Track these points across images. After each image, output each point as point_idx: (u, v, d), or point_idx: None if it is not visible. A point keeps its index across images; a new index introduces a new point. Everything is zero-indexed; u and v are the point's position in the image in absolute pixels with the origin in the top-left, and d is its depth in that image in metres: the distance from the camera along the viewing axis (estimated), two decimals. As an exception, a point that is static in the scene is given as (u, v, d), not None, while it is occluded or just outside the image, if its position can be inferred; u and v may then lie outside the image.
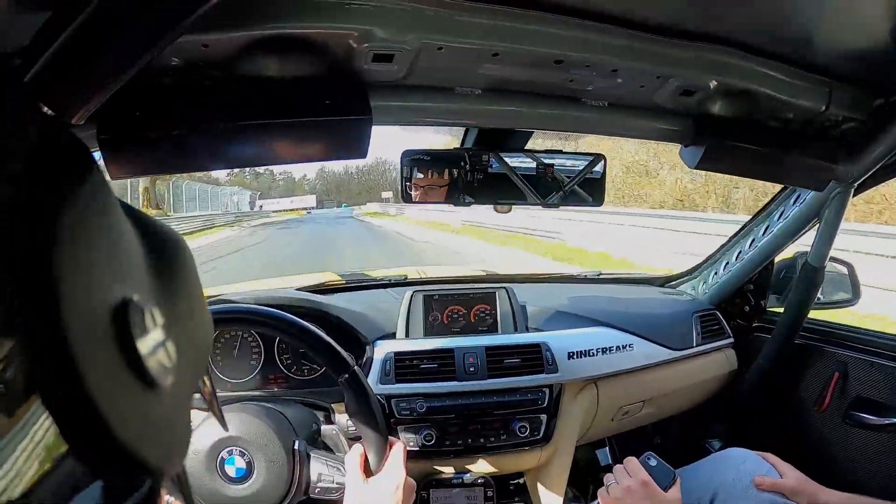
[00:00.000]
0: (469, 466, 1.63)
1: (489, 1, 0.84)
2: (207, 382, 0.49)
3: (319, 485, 1.16)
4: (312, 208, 71.22)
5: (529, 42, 0.90)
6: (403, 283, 2.00)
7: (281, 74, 0.89)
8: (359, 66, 0.89)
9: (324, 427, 1.35)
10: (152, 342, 0.29)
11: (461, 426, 1.56)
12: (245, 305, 1.15)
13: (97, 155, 0.89)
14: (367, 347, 1.61)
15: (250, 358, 1.61)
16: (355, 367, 1.13)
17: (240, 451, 1.12)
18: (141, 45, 0.59)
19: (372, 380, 1.54)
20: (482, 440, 1.57)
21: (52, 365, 0.24)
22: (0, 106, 0.29)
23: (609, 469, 2.06)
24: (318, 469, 1.17)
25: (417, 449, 1.54)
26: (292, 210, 68.48)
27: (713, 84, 1.05)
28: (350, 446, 1.22)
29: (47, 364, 0.24)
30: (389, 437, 1.13)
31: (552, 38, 0.90)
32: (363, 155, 0.96)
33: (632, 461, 1.22)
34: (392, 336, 1.67)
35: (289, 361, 1.63)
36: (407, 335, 1.68)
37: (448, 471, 1.63)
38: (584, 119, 1.13)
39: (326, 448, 1.31)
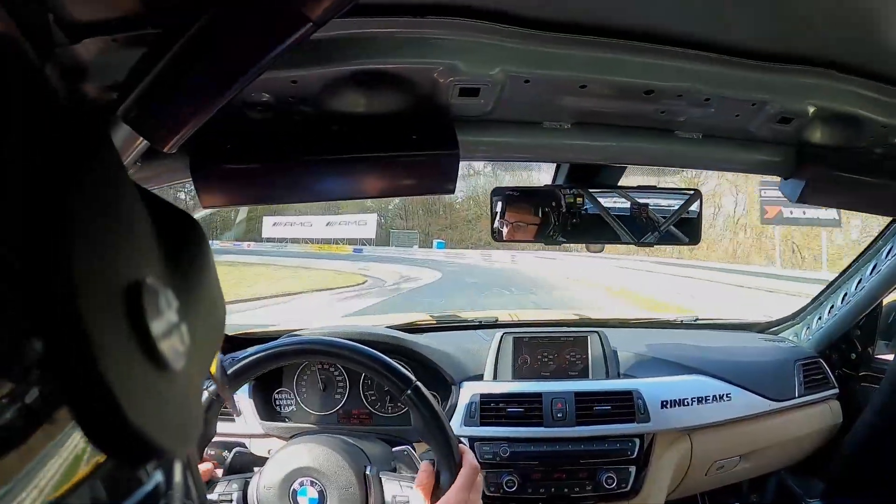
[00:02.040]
0: None
1: (574, 31, 0.81)
2: (218, 367, 0.48)
3: None
4: (365, 242, 42.86)
5: (617, 72, 0.87)
6: (494, 324, 1.95)
7: (369, 109, 0.89)
8: (445, 100, 0.89)
9: (395, 449, 1.31)
10: (165, 325, 0.29)
11: (545, 474, 1.50)
12: (299, 338, 1.15)
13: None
14: (454, 388, 1.57)
15: (335, 392, 1.61)
16: (417, 383, 1.09)
17: (311, 481, 1.10)
18: (226, 80, 0.61)
19: (456, 422, 1.50)
20: (566, 490, 1.50)
21: (65, 345, 0.24)
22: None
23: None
24: (392, 490, 1.12)
25: (498, 495, 1.48)
26: (311, 244, 43.31)
27: (811, 109, 0.98)
28: None
29: (60, 344, 0.24)
30: (464, 451, 1.07)
31: (641, 68, 0.87)
32: (451, 190, 0.95)
33: None
34: (479, 378, 1.63)
35: (373, 398, 1.61)
36: (495, 377, 1.63)
37: None
38: (677, 153, 1.08)
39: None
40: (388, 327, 1.82)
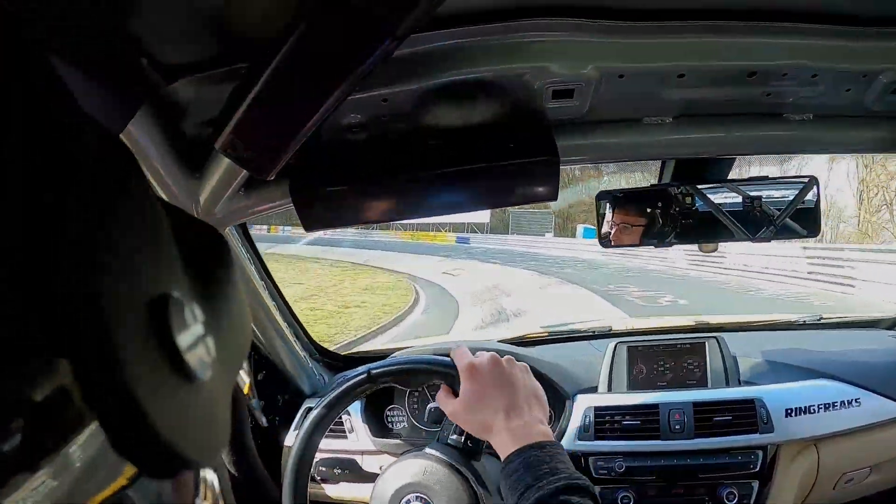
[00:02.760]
0: None
1: (666, 17, 0.77)
2: (247, 380, 0.48)
3: None
4: (475, 228, 36.74)
5: (716, 56, 0.82)
6: (608, 334, 1.88)
7: (462, 121, 0.89)
8: (539, 105, 0.86)
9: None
10: (192, 337, 0.29)
11: (663, 490, 1.42)
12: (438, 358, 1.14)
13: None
14: (567, 402, 1.53)
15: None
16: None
17: (420, 496, 1.10)
18: (315, 104, 0.63)
19: (570, 436, 1.46)
20: None
21: (93, 356, 0.24)
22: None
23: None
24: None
25: None
26: (403, 231, 38.06)
27: None
28: None
29: (88, 358, 0.24)
30: (451, 353, 1.04)
31: (740, 49, 0.82)
32: (553, 197, 0.93)
33: None
34: (594, 390, 1.58)
35: None
36: (609, 389, 1.57)
37: None
38: (787, 138, 1.00)
39: None
40: (499, 341, 1.79)
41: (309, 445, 1.11)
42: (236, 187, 0.92)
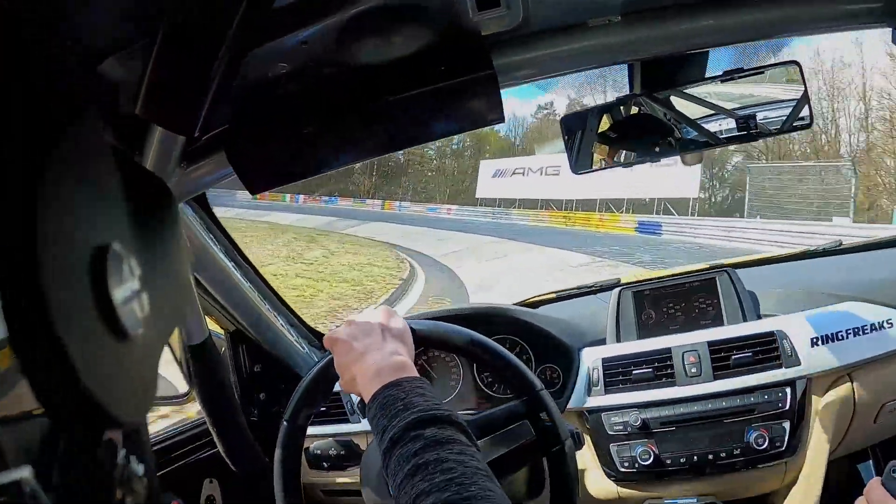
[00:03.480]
0: (695, 490, 1.38)
1: None
2: (179, 337, 0.45)
3: None
4: (670, 207, 22.53)
5: None
6: (616, 285, 1.75)
7: (390, 53, 0.83)
8: (467, 21, 0.78)
9: None
10: (127, 292, 0.29)
11: (684, 440, 1.33)
12: (430, 323, 1.09)
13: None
14: (573, 357, 1.45)
15: (449, 379, 1.54)
16: (542, 392, 1.02)
17: None
18: (206, 52, 0.64)
19: (578, 393, 1.38)
20: (710, 456, 1.32)
21: (22, 304, 0.23)
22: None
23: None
24: None
25: (633, 470, 1.33)
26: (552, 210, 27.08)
27: None
28: None
29: (17, 303, 0.23)
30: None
31: None
32: (500, 119, 0.85)
33: (873, 490, 0.84)
34: (602, 342, 1.49)
35: (489, 381, 1.52)
36: (618, 339, 1.49)
37: (669, 496, 1.39)
38: (757, 22, 0.87)
39: None
40: (513, 304, 1.72)
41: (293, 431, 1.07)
42: (175, 161, 0.88)
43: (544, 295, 1.83)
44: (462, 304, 1.80)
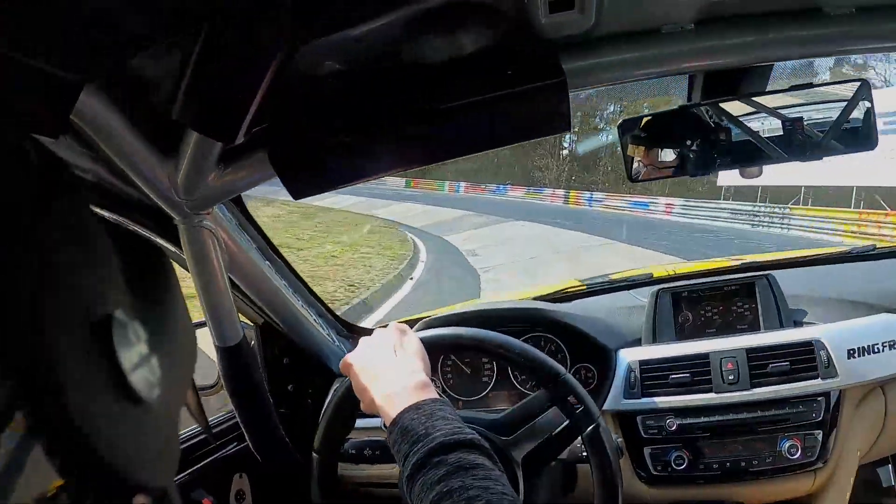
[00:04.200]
0: (723, 494, 1.38)
1: None
2: (192, 395, 0.48)
3: None
4: None
5: None
6: (649, 281, 1.77)
7: (452, 52, 0.79)
8: (537, 22, 0.75)
9: None
10: (136, 357, 0.29)
11: (718, 446, 1.33)
12: (440, 332, 1.09)
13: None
14: (611, 358, 1.44)
15: (482, 375, 1.53)
16: (565, 376, 1.02)
17: None
18: (258, 56, 0.62)
19: (615, 395, 1.37)
20: (743, 463, 1.32)
21: (35, 386, 0.23)
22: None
23: (891, 493, 1.67)
24: None
25: (666, 474, 1.33)
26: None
27: None
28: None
29: (30, 386, 0.23)
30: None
31: None
32: (566, 128, 0.81)
33: None
34: (637, 343, 1.49)
35: (523, 378, 1.51)
36: (654, 340, 1.48)
37: (700, 499, 1.39)
38: (828, 36, 0.84)
39: None
40: (535, 298, 1.72)
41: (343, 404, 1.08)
42: (212, 162, 0.85)
43: (574, 287, 1.82)
44: (495, 303, 1.77)
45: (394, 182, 36.57)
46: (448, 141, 0.84)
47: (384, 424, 0.81)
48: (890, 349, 1.33)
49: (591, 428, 1.00)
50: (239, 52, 0.61)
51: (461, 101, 0.80)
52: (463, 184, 35.96)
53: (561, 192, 31.20)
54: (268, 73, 0.62)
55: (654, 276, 1.79)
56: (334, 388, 1.50)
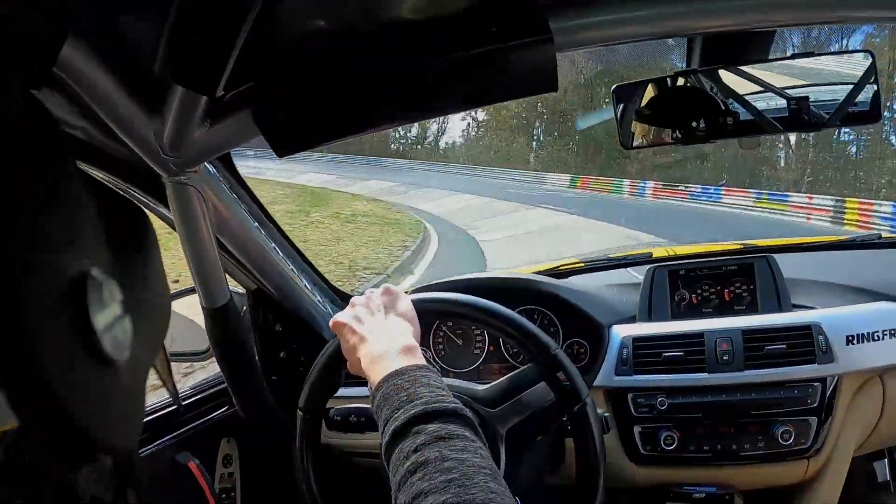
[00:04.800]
0: (715, 478, 1.37)
1: None
2: (163, 360, 0.47)
3: None
4: None
5: None
6: (648, 260, 1.74)
7: (437, 9, 0.76)
8: None
9: None
10: (109, 318, 0.29)
11: (709, 428, 1.31)
12: (434, 295, 1.09)
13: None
14: (603, 333, 1.43)
15: (473, 347, 1.53)
16: (556, 351, 1.00)
17: None
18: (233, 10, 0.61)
19: (607, 370, 1.36)
20: (734, 447, 1.31)
21: (7, 340, 0.23)
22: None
23: (887, 487, 1.65)
24: None
25: (656, 453, 1.32)
26: None
27: None
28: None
29: (1, 340, 0.23)
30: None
31: None
32: (554, 87, 0.78)
33: None
34: (632, 320, 1.47)
35: (514, 351, 1.51)
36: (649, 318, 1.47)
37: (689, 481, 1.38)
38: (832, 3, 0.79)
39: None
40: (533, 272, 1.69)
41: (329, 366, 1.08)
42: (197, 119, 0.85)
43: (573, 263, 1.80)
44: (490, 273, 1.78)
45: (556, 181, 27.66)
46: (431, 98, 0.82)
47: (370, 388, 0.81)
48: (890, 337, 1.30)
49: (578, 406, 0.99)
50: (216, 3, 0.61)
51: (444, 57, 0.78)
52: (650, 183, 23.24)
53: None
54: (244, 24, 0.62)
55: (654, 255, 1.77)
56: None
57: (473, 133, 41.96)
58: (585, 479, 1.00)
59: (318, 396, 1.09)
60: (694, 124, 0.97)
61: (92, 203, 0.31)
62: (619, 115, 1.00)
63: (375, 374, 0.77)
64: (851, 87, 0.95)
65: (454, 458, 0.62)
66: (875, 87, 0.94)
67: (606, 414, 1.03)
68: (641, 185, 23.54)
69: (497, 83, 0.80)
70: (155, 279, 0.37)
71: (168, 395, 1.35)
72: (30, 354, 0.24)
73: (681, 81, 0.96)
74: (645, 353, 1.35)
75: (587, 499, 0.99)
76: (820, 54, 0.94)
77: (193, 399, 1.42)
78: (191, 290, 1.32)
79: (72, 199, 0.29)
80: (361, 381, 1.38)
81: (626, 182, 24.62)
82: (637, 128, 1.00)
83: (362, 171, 32.20)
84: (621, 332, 1.40)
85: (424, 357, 1.41)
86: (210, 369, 1.52)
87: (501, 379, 1.06)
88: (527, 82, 0.80)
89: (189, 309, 1.42)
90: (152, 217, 1.15)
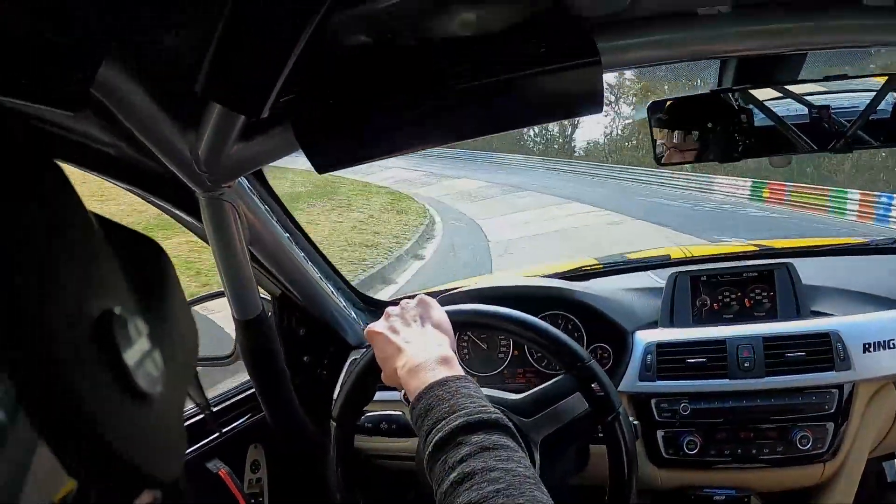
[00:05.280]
0: (734, 481, 1.39)
1: None
2: (197, 387, 0.45)
3: None
4: None
5: None
6: (667, 263, 1.77)
7: (483, 27, 0.77)
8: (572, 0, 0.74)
9: None
10: (138, 353, 0.29)
11: (731, 433, 1.33)
12: (467, 308, 1.09)
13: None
14: (627, 339, 1.45)
15: (498, 352, 1.54)
16: (590, 363, 1.03)
17: None
18: (286, 33, 0.61)
19: (630, 376, 1.38)
20: (754, 451, 1.33)
21: (38, 386, 0.24)
22: None
23: (896, 488, 1.67)
24: None
25: (678, 457, 1.34)
26: None
27: None
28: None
29: (33, 386, 0.23)
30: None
31: None
32: (599, 109, 0.80)
33: None
34: (654, 325, 1.49)
35: (538, 355, 1.52)
36: (671, 323, 1.48)
37: (709, 484, 1.40)
38: (865, 27, 0.82)
39: None
40: (549, 276, 1.72)
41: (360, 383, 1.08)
42: (235, 135, 0.85)
43: (591, 266, 1.82)
44: (513, 279, 1.79)
45: (728, 188, 19.26)
46: (476, 118, 0.82)
47: (404, 397, 0.81)
48: None
49: (612, 416, 1.01)
50: (267, 25, 0.60)
51: (490, 78, 0.78)
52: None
53: None
54: (296, 46, 0.61)
55: (672, 257, 1.79)
56: (352, 358, 1.52)
57: (619, 132, 36.77)
58: (617, 486, 1.02)
59: (352, 408, 1.10)
60: (724, 141, 0.99)
61: (107, 242, 0.31)
62: (652, 129, 1.01)
63: (414, 385, 0.77)
64: (872, 100, 0.97)
65: (500, 469, 0.63)
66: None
67: (636, 422, 1.05)
68: (886, 198, 14.31)
69: (544, 104, 0.81)
70: (178, 308, 0.37)
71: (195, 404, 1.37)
72: (65, 399, 0.24)
73: (713, 99, 0.98)
74: (668, 360, 1.37)
75: (623, 498, 1.01)
76: (851, 77, 0.96)
77: (221, 407, 1.43)
78: (217, 295, 1.33)
79: (85, 238, 0.29)
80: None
81: (850, 194, 15.44)
82: (670, 142, 1.01)
83: (457, 167, 27.05)
84: (645, 337, 1.42)
85: None
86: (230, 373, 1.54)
87: (535, 389, 1.07)
88: (574, 102, 0.81)
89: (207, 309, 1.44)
90: (184, 231, 1.17)
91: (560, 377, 1.06)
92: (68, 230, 0.28)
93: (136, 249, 0.36)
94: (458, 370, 0.80)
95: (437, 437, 0.69)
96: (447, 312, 0.95)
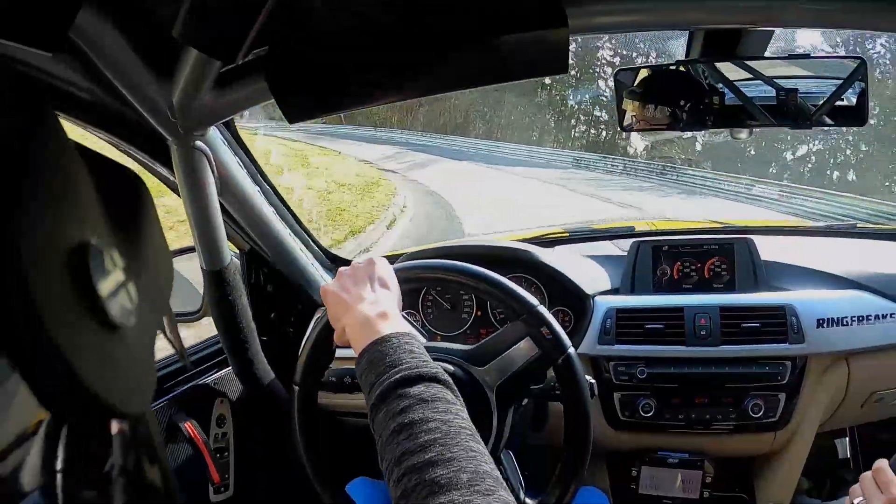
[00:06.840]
0: (688, 445, 1.45)
1: None
2: (170, 323, 0.47)
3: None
4: None
5: None
6: (631, 234, 1.80)
7: None
8: None
9: None
10: (112, 285, 0.29)
11: (685, 398, 1.38)
12: (417, 262, 1.11)
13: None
14: (587, 304, 1.47)
15: (462, 312, 1.57)
16: (538, 307, 1.03)
17: None
18: None
19: (590, 339, 1.41)
20: (707, 417, 1.38)
21: (12, 310, 0.24)
22: None
23: (847, 465, 1.75)
24: None
25: (633, 419, 1.39)
26: None
27: None
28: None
29: (8, 313, 0.24)
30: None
31: None
32: (564, 69, 0.81)
33: (883, 471, 0.87)
34: (615, 292, 1.53)
35: (502, 316, 1.55)
36: (632, 291, 1.52)
37: (664, 447, 1.47)
38: (836, 8, 0.81)
39: None
40: (518, 240, 1.72)
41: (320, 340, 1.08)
42: (209, 84, 0.85)
43: (558, 233, 1.84)
44: (477, 240, 1.80)
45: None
46: (444, 73, 0.83)
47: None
48: (858, 324, 1.38)
49: (562, 357, 1.02)
50: None
51: (460, 34, 0.79)
52: None
53: None
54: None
55: (636, 229, 1.82)
56: (316, 316, 1.53)
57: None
58: (576, 430, 1.03)
59: (314, 369, 1.11)
60: (686, 111, 1.00)
61: (88, 173, 0.31)
62: (619, 98, 1.02)
63: (360, 342, 0.79)
64: (840, 85, 0.99)
65: (437, 419, 0.65)
66: (865, 91, 0.98)
67: (593, 381, 1.07)
68: None
69: (511, 63, 0.81)
70: (155, 243, 0.38)
71: (163, 357, 1.38)
72: (37, 329, 0.24)
73: (680, 70, 0.99)
74: (627, 324, 1.40)
75: (578, 446, 1.02)
76: (814, 57, 0.98)
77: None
78: (189, 250, 1.33)
79: (70, 172, 0.29)
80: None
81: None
82: (634, 110, 1.03)
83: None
84: (605, 302, 1.45)
85: (414, 322, 1.45)
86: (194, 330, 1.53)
87: (488, 338, 1.08)
88: (539, 64, 0.81)
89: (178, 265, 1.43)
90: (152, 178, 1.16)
91: (510, 324, 1.07)
92: (47, 164, 0.28)
93: (115, 181, 0.36)
94: (403, 326, 0.81)
95: (379, 390, 0.70)
96: (395, 269, 0.96)
